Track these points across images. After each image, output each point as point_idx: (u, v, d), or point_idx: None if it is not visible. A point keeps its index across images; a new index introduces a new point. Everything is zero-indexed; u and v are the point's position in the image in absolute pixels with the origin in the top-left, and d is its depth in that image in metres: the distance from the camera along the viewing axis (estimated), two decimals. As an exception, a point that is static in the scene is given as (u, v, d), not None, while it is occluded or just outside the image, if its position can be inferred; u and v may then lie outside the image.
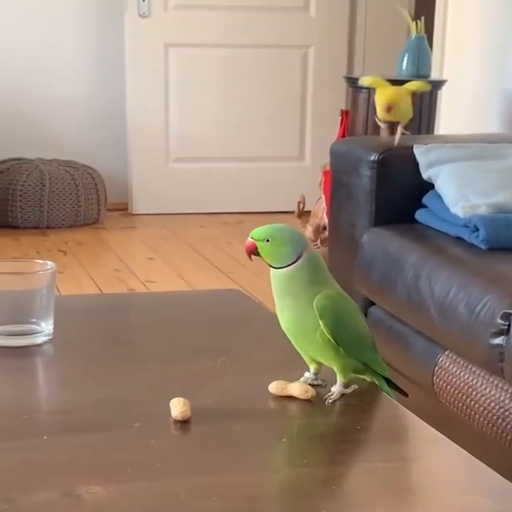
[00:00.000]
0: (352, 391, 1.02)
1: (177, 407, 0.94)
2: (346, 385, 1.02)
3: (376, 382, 1.04)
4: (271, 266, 0.99)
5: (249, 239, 1.00)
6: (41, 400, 1.06)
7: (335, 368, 1.01)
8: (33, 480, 0.82)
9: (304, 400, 1.00)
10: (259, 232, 0.99)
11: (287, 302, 1.00)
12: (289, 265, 0.98)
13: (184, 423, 0.94)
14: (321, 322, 0.98)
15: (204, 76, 4.46)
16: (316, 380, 1.04)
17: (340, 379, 1.01)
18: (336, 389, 1.01)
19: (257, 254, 0.99)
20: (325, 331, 0.98)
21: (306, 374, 1.04)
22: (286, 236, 0.99)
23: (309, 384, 1.02)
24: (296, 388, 1.01)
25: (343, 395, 1.01)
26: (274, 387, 1.02)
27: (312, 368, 1.04)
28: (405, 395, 1.05)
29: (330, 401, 1.00)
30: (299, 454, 0.89)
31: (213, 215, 4.50)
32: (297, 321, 1.00)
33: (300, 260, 0.98)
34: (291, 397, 1.01)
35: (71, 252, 3.77)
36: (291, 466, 0.86)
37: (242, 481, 0.83)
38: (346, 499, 0.82)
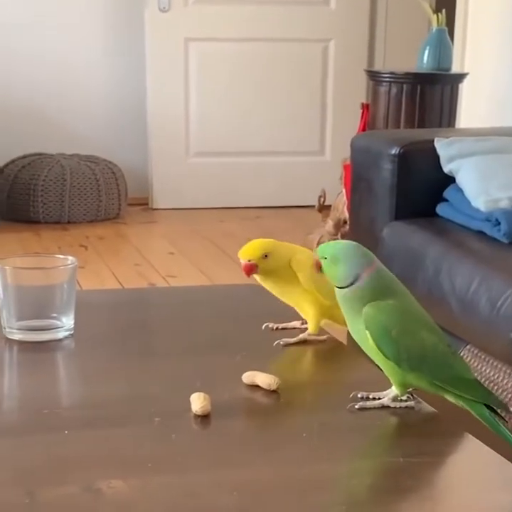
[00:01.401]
0: (399, 407, 0.96)
1: (197, 402, 0.94)
2: (397, 399, 0.96)
3: (464, 405, 0.95)
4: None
5: (315, 256, 0.99)
6: (62, 394, 1.07)
7: (391, 381, 0.96)
8: (53, 474, 0.83)
9: (271, 391, 1.00)
10: (323, 249, 0.98)
11: (349, 318, 0.97)
12: (350, 285, 0.95)
13: (204, 418, 0.94)
14: (367, 332, 0.94)
15: (224, 70, 4.46)
16: (407, 399, 0.97)
17: (394, 391, 0.96)
18: (379, 398, 0.96)
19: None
20: (372, 342, 0.94)
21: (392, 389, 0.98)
22: (343, 256, 0.96)
23: (400, 400, 0.96)
24: (261, 379, 1.02)
25: (384, 407, 0.95)
26: (245, 376, 1.03)
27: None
28: (505, 420, 0.94)
29: (356, 407, 0.95)
30: (320, 449, 0.89)
31: (233, 210, 4.50)
32: (357, 334, 0.97)
33: (358, 282, 0.95)
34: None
35: (92, 247, 3.78)
36: (311, 461, 0.86)
37: (262, 476, 0.83)
38: (367, 494, 0.82)
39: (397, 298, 0.96)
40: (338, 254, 0.97)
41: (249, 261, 1.15)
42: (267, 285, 1.18)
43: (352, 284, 0.95)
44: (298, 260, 1.15)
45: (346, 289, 0.96)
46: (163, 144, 4.46)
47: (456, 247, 1.97)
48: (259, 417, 0.98)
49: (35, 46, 4.33)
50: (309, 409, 1.01)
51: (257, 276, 1.17)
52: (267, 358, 1.13)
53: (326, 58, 4.56)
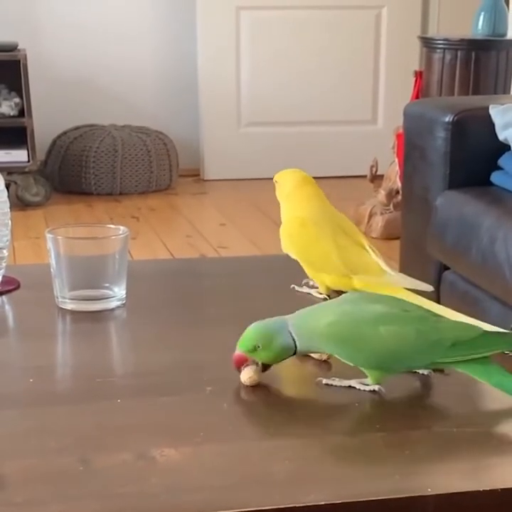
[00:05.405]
0: (362, 390, 0.93)
1: (247, 372, 0.94)
2: (365, 383, 0.94)
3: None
4: None
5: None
6: (114, 363, 1.08)
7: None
8: (107, 442, 0.83)
9: (322, 361, 1.00)
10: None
11: None
12: None
13: (256, 387, 0.94)
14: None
15: (276, 39, 4.43)
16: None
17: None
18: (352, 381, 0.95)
19: None
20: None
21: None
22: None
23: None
24: None
25: (351, 387, 0.94)
26: None
27: None
28: None
29: (323, 382, 0.95)
30: (372, 418, 0.89)
31: (285, 180, 4.47)
32: None
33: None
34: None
35: (144, 218, 3.80)
36: (363, 431, 0.86)
37: (313, 445, 0.83)
38: (420, 464, 0.81)
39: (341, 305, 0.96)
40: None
41: None
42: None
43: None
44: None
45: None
46: (215, 115, 4.46)
47: (511, 215, 1.94)
48: (310, 387, 0.98)
49: (86, 18, 4.34)
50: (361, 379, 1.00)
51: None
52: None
53: (379, 25, 4.50)
